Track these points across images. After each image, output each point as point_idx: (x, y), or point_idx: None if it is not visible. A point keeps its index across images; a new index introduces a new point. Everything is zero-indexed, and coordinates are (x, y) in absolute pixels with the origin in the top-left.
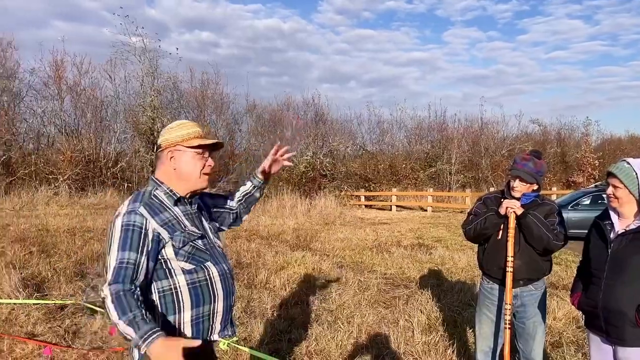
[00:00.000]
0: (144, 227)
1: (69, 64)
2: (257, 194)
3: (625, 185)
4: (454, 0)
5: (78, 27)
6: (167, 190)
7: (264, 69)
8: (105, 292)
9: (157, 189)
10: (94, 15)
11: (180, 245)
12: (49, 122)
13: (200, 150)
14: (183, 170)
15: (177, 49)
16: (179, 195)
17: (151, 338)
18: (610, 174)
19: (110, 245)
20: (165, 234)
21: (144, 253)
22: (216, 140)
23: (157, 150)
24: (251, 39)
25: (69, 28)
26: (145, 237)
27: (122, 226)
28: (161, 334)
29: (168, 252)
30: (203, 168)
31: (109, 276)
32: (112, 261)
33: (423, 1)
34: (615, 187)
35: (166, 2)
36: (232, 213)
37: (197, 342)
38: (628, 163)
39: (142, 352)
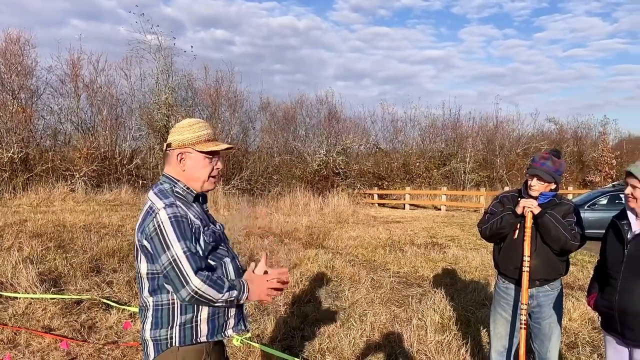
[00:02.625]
0: (188, 218)
1: (85, 62)
2: None
3: None
4: None
5: (95, 26)
6: (185, 188)
7: (278, 67)
8: (195, 282)
9: (174, 186)
10: (110, 13)
11: (210, 240)
12: (66, 119)
13: (210, 156)
14: (192, 173)
15: (192, 46)
16: (195, 193)
17: (246, 288)
18: (629, 174)
19: (165, 238)
20: (201, 227)
21: (194, 242)
22: (228, 146)
23: (166, 148)
24: (266, 37)
25: (86, 27)
26: (192, 227)
27: (170, 218)
28: (246, 280)
29: (199, 249)
30: (211, 171)
31: (187, 267)
32: (179, 251)
33: None
34: (634, 187)
35: (182, 0)
36: None
37: (283, 270)
38: None
39: (244, 300)
